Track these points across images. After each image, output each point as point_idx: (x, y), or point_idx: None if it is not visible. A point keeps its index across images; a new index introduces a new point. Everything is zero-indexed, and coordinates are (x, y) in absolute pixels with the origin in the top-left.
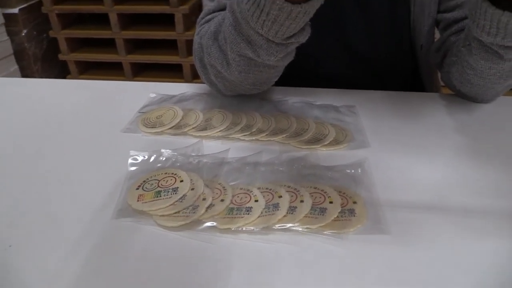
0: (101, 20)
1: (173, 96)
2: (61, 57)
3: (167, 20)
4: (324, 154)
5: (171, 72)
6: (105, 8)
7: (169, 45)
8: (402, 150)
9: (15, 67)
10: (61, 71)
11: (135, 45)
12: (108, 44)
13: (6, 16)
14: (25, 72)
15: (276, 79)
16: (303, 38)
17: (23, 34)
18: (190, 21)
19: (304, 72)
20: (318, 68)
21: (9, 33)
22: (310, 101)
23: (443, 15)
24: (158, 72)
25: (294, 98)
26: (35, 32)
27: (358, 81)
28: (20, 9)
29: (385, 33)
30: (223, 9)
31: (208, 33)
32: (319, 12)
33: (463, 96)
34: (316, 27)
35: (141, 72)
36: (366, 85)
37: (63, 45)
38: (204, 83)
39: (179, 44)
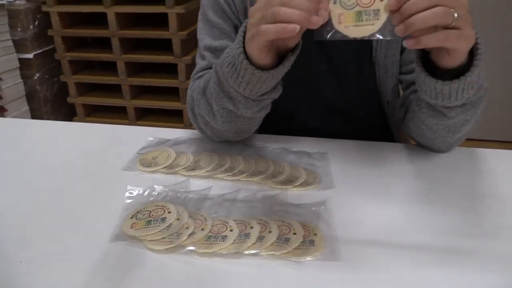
0: (109, 67)
1: (169, 140)
2: (69, 100)
3: (170, 69)
4: (294, 194)
5: (173, 117)
6: (114, 56)
7: (172, 92)
8: (363, 192)
9: (26, 108)
10: (68, 113)
11: (140, 91)
12: (114, 89)
13: (22, 61)
14: (35, 113)
15: (255, 128)
16: (275, 95)
17: (36, 77)
18: (192, 71)
19: (283, 122)
20: (295, 119)
21: (23, 76)
22: (287, 148)
23: (404, 76)
24: (160, 116)
25: (273, 145)
26: (47, 76)
27: (331, 131)
28: (34, 55)
29: (355, 90)
30: (211, 67)
31: (198, 89)
32: (294, 71)
33: (422, 147)
34: (292, 83)
35: (144, 116)
36: (338, 135)
37: (72, 89)
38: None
39: (181, 91)
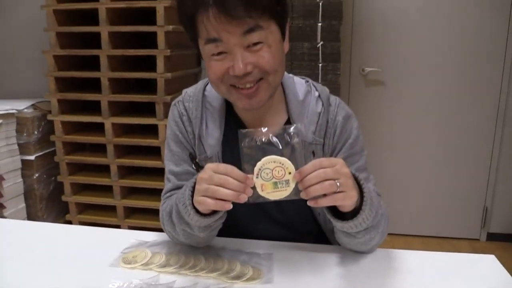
0: (103, 169)
1: (147, 242)
2: (64, 198)
3: (159, 172)
4: (241, 287)
5: (157, 216)
6: (108, 160)
7: (159, 193)
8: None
9: (22, 205)
10: (61, 210)
11: (130, 191)
12: (106, 189)
13: (24, 162)
14: (30, 210)
15: (213, 239)
16: (221, 222)
17: (35, 177)
18: None
19: (237, 231)
20: (246, 230)
21: (23, 175)
22: (241, 249)
23: None
24: (147, 215)
25: (231, 246)
26: (45, 176)
27: (276, 238)
28: (36, 157)
29: (292, 207)
30: (178, 187)
31: (166, 211)
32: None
33: (350, 249)
34: (242, 204)
35: (132, 214)
36: (283, 239)
37: (67, 188)
38: None
39: None
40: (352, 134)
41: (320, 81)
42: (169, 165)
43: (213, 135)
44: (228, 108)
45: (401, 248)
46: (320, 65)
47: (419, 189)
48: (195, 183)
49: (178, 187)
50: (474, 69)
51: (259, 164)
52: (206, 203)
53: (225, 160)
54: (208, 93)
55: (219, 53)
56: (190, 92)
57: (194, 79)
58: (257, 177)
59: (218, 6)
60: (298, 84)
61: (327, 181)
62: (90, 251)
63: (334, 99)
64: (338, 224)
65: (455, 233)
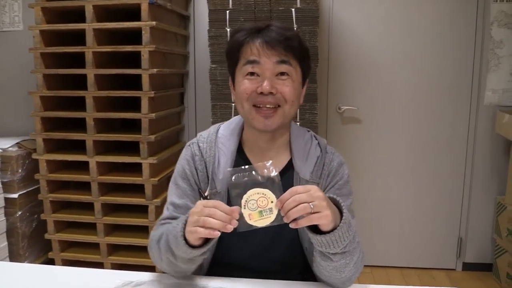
0: (87, 207)
1: (132, 281)
2: (47, 236)
3: (141, 209)
4: None
5: (141, 252)
6: (92, 198)
7: (142, 229)
8: None
9: (5, 243)
10: (44, 248)
11: (113, 228)
12: (89, 227)
13: (7, 200)
14: (12, 248)
15: (193, 270)
16: (204, 256)
17: (18, 215)
18: (160, 212)
19: (228, 264)
20: (235, 261)
21: (6, 213)
22: (224, 287)
23: None
24: (129, 251)
25: (214, 284)
26: (28, 214)
27: (266, 273)
28: (19, 195)
29: (282, 244)
30: (174, 217)
31: (155, 238)
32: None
33: (325, 283)
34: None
35: (116, 251)
36: (272, 276)
37: (51, 226)
38: (155, 272)
39: (150, 229)
40: (343, 179)
41: (298, 119)
42: (171, 197)
43: (223, 172)
44: (239, 149)
45: (381, 281)
46: None
47: (396, 222)
48: (186, 220)
49: (174, 218)
50: (443, 105)
51: (245, 196)
52: (197, 232)
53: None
54: (220, 135)
55: (253, 74)
56: (204, 134)
57: (178, 117)
58: (244, 208)
59: (265, 38)
60: (302, 130)
61: (302, 204)
62: None
63: (330, 148)
64: (317, 238)
65: (432, 264)
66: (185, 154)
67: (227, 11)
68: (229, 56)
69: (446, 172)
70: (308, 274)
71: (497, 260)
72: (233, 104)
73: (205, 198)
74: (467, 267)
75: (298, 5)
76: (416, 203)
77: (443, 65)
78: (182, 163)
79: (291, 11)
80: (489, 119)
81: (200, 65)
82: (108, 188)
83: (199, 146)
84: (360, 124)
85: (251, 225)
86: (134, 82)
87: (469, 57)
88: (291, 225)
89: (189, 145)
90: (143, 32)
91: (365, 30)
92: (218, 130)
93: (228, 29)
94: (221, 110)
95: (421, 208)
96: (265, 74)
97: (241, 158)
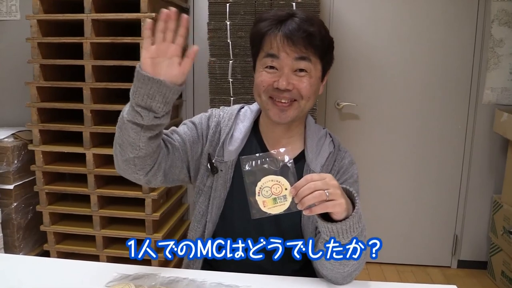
0: (83, 198)
1: (130, 275)
2: (42, 228)
3: (138, 202)
4: None
5: (139, 246)
6: (88, 190)
7: (138, 223)
8: None
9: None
10: (39, 240)
11: (109, 221)
12: (85, 219)
13: (2, 191)
14: (7, 239)
15: (150, 159)
16: (165, 121)
17: (13, 206)
18: (158, 204)
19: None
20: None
21: (1, 204)
22: (222, 282)
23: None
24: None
25: (212, 279)
26: (23, 205)
27: (265, 267)
28: (15, 186)
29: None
30: (167, 135)
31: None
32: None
33: (326, 278)
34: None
35: (111, 244)
36: (269, 271)
37: (46, 218)
38: (151, 265)
39: (147, 223)
40: (352, 178)
41: None
42: (180, 127)
43: (234, 144)
44: (255, 128)
45: (376, 277)
46: None
47: (392, 219)
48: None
49: (167, 135)
50: (441, 102)
51: (259, 183)
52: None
53: (236, 170)
54: (241, 113)
55: (271, 67)
56: (227, 108)
57: (176, 111)
58: (258, 195)
59: (287, 32)
60: (318, 126)
61: (317, 191)
62: (73, 286)
63: (343, 147)
64: (328, 226)
65: (427, 261)
66: (204, 114)
67: (227, 4)
68: (252, 45)
69: (443, 169)
70: (308, 270)
71: (492, 258)
72: (231, 98)
73: (212, 164)
74: (462, 264)
75: None
76: (413, 200)
77: (442, 62)
78: (200, 116)
79: (292, 5)
80: (487, 117)
81: (199, 59)
82: (104, 181)
83: (219, 113)
84: (358, 120)
85: (265, 212)
86: (133, 74)
87: (469, 55)
88: (305, 212)
89: (211, 109)
90: (142, 23)
91: (365, 26)
92: (241, 108)
93: (228, 22)
94: (220, 104)
95: (417, 205)
96: (284, 69)
97: (255, 138)
